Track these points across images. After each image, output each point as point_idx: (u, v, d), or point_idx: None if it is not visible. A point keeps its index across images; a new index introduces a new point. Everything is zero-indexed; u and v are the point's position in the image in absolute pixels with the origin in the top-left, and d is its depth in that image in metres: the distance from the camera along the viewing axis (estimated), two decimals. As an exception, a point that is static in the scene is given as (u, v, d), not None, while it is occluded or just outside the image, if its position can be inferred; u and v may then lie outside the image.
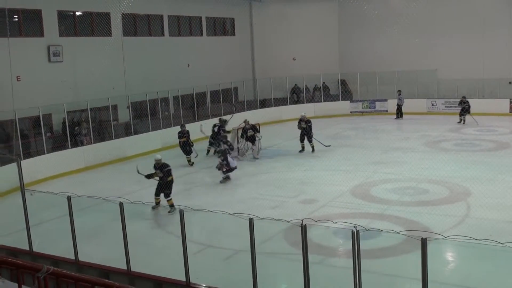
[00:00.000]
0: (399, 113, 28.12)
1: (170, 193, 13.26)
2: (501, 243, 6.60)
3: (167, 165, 13.27)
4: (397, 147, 20.41)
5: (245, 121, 20.21)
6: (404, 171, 16.40)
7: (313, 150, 19.95)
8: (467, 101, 25.46)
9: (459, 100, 26.05)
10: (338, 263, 9.67)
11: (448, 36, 28.70)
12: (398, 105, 28.11)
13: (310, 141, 19.99)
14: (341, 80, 30.79)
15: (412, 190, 14.41)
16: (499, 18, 27.88)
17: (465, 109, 25.31)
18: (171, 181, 13.27)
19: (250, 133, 19.66)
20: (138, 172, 13.61)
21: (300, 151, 20.12)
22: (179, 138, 18.95)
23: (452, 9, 28.63)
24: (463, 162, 17.47)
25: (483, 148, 19.84)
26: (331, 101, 30.28)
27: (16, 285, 3.02)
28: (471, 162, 17.26)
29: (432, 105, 29.00)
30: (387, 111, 29.34)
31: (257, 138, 19.76)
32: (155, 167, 13.38)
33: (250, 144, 19.72)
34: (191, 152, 18.89)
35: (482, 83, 27.44)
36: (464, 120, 25.25)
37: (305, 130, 19.98)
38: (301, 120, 20.17)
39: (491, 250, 8.14)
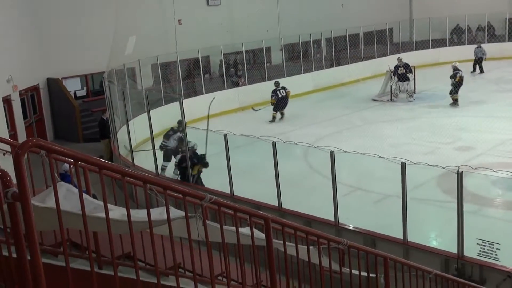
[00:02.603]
0: (476, 67, 24.57)
1: None
2: None
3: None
4: None
5: (398, 59, 19.51)
6: None
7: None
8: None
9: None
10: (496, 214, 9.15)
11: None
12: (479, 57, 24.55)
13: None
14: (508, 19, 28.03)
15: None
16: None
17: None
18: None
19: (401, 70, 18.93)
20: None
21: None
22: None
23: None
24: None
25: None
26: (496, 42, 27.81)
27: (180, 212, 3.28)
28: None
29: None
30: None
31: (410, 79, 18.99)
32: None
33: (401, 84, 19.00)
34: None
35: None
36: None
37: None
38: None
39: None
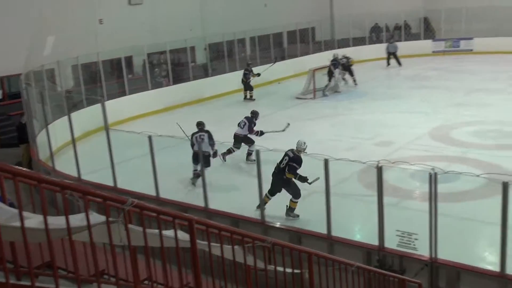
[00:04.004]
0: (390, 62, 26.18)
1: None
2: None
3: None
4: (482, 89, 19.48)
5: (335, 54, 20.89)
6: (488, 114, 15.72)
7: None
8: None
9: None
10: (413, 206, 9.58)
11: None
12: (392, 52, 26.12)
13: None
14: (424, 18, 29.36)
15: (496, 133, 13.83)
16: None
17: None
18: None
19: (342, 61, 20.30)
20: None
21: None
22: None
23: None
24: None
25: None
26: (412, 40, 29.06)
27: (102, 217, 3.23)
28: None
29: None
30: (472, 50, 27.83)
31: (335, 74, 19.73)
32: None
33: (343, 73, 20.39)
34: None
35: None
36: None
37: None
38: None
39: None
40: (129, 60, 20.64)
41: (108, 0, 20.28)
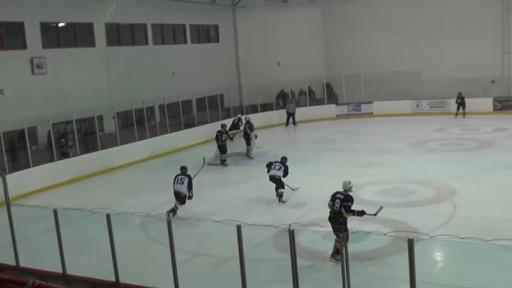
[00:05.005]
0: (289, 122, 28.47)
1: None
2: (486, 241, 6.67)
3: None
4: (383, 149, 20.53)
5: (238, 116, 21.96)
6: (391, 173, 16.51)
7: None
8: (463, 97, 26.84)
9: (456, 96, 27.20)
10: (327, 267, 9.69)
11: (431, 37, 28.94)
12: (291, 112, 28.39)
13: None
14: (326, 84, 30.93)
15: (399, 191, 14.51)
16: (480, 18, 28.11)
17: (460, 104, 26.93)
18: None
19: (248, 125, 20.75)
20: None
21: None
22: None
23: (434, 10, 28.89)
24: (449, 161, 17.68)
25: (468, 147, 20.03)
26: (317, 105, 30.40)
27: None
28: (456, 162, 17.45)
29: (417, 106, 29.21)
30: (372, 113, 29.50)
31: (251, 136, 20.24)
32: None
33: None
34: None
35: (465, 83, 27.60)
36: (464, 114, 26.84)
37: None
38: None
39: (478, 248, 8.21)
40: (33, 130, 19.91)
41: (9, 70, 19.69)
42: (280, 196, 14.12)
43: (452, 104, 27.64)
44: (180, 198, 13.23)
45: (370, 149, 20.81)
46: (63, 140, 19.62)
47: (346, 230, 9.55)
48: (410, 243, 6.73)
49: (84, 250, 11.13)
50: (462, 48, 28.37)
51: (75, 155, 19.56)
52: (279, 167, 14.21)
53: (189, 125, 24.87)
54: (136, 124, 22.08)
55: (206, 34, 31.11)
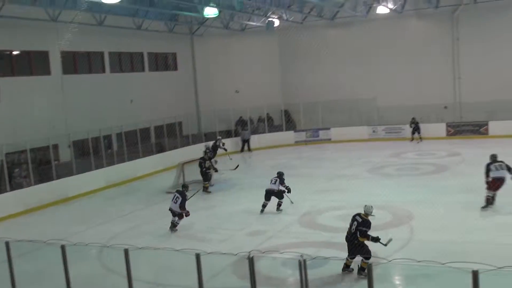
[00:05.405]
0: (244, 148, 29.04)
1: None
2: (442, 264, 6.78)
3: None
4: (341, 175, 20.77)
5: (207, 145, 21.59)
6: (349, 198, 16.64)
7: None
8: (417, 122, 27.77)
9: (409, 121, 28.09)
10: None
11: (385, 65, 29.69)
12: (246, 139, 29.04)
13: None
14: (284, 111, 31.26)
15: (358, 216, 14.62)
16: (432, 47, 29.03)
17: (415, 129, 27.84)
18: None
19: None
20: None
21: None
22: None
23: (388, 39, 29.66)
24: (405, 186, 18.00)
25: (424, 171, 20.47)
26: (275, 131, 30.62)
27: None
28: (412, 186, 17.77)
29: (373, 131, 29.79)
30: (330, 139, 29.91)
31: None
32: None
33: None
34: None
35: (419, 109, 28.35)
36: (420, 138, 27.71)
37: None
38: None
39: (435, 271, 8.34)
40: (-16, 161, 19.32)
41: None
42: (278, 205, 15.55)
43: (407, 130, 28.33)
44: (175, 214, 14.37)
45: (328, 175, 21.02)
46: (16, 170, 19.10)
47: (367, 252, 9.83)
48: (369, 268, 6.81)
49: (37, 284, 10.76)
50: (415, 75, 29.22)
51: (28, 185, 19.03)
52: (275, 180, 15.66)
53: (147, 152, 24.62)
54: (93, 152, 21.73)
55: (164, 62, 31.07)
